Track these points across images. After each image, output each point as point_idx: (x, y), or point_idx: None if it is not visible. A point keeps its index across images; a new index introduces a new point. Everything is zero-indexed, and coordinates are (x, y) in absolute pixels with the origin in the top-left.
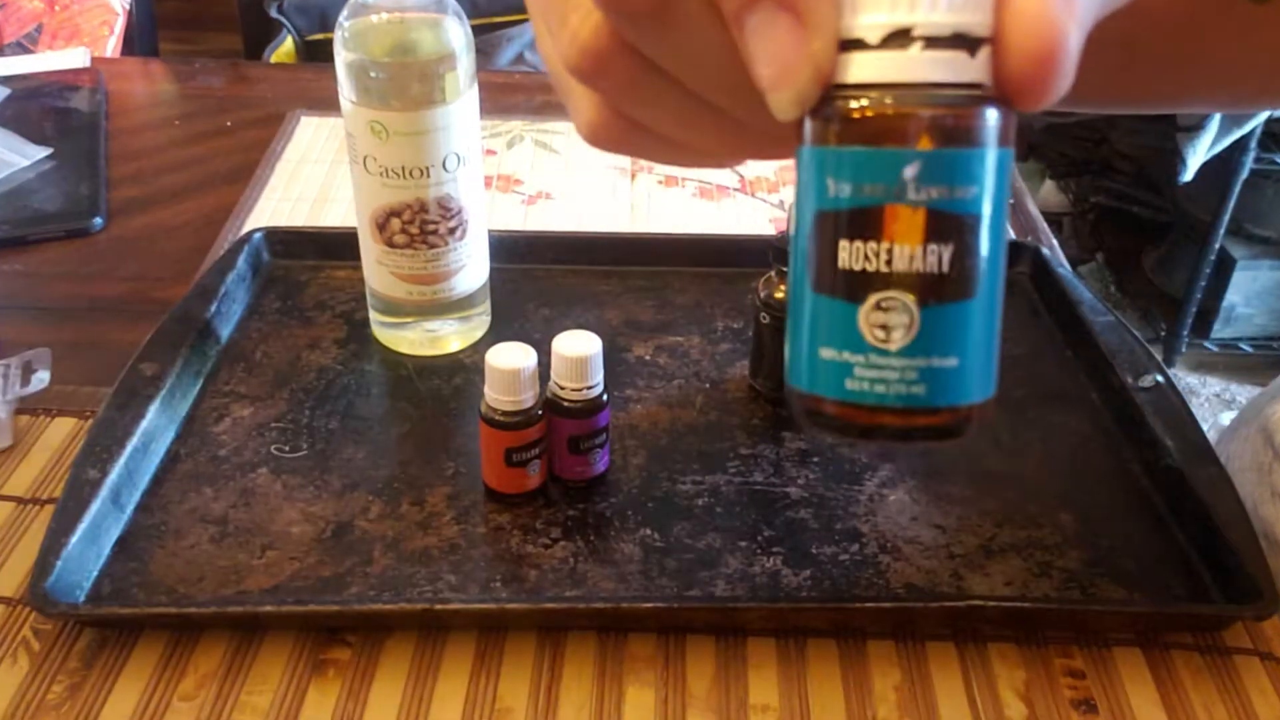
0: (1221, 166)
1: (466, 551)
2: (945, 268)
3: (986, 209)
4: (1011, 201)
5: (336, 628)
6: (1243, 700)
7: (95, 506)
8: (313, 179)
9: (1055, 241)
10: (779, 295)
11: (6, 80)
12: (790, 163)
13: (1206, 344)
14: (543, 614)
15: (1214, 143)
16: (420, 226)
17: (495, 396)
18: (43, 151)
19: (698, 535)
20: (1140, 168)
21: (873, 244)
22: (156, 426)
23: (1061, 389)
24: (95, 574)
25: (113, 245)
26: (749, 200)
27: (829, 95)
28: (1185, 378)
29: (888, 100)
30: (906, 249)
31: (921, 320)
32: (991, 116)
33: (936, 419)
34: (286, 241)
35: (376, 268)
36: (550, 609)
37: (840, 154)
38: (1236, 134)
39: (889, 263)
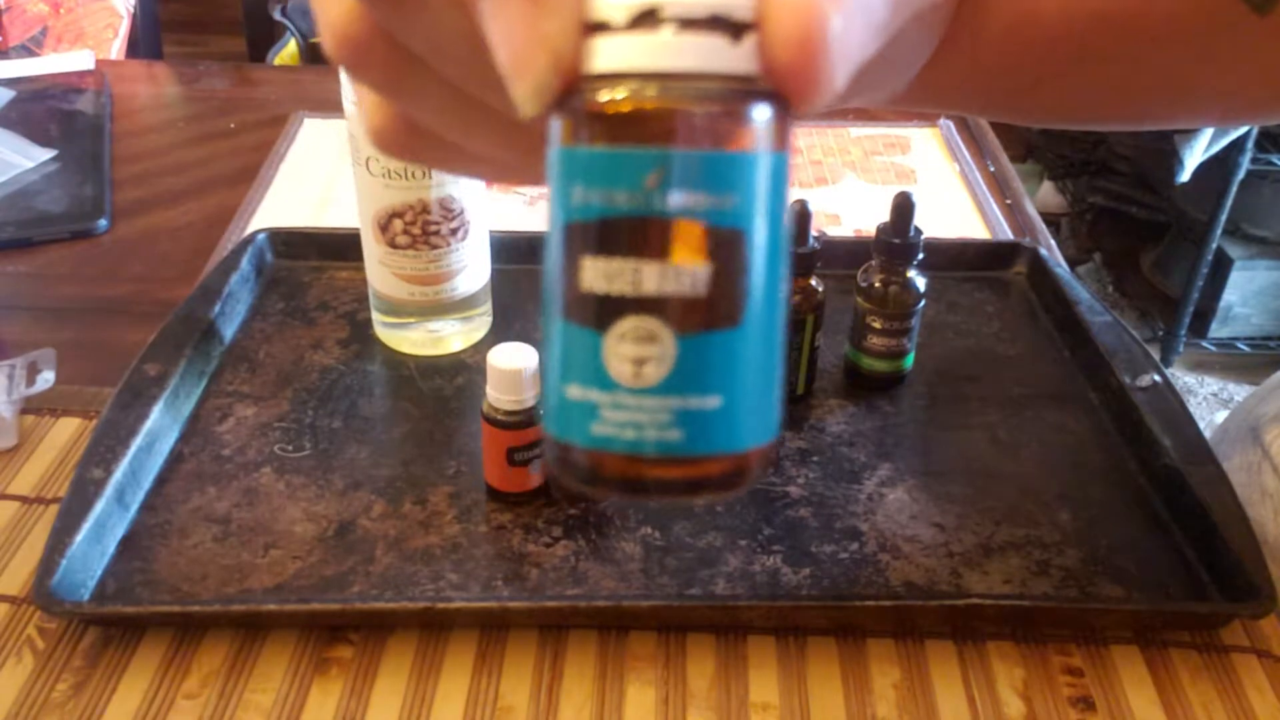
0: (1218, 167)
1: (468, 550)
2: (702, 290)
3: (755, 222)
4: (1009, 200)
5: (339, 626)
6: (1240, 698)
7: (99, 506)
8: (315, 180)
9: (1053, 242)
10: None
11: (12, 83)
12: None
13: (1204, 344)
14: (544, 612)
15: (1210, 143)
16: (422, 227)
17: (497, 396)
18: (48, 153)
19: (698, 534)
20: (1137, 168)
21: (619, 261)
22: (160, 426)
23: (1060, 389)
24: (99, 573)
25: (117, 246)
26: None
27: (575, 87)
28: (1183, 377)
29: (634, 91)
30: (656, 268)
31: (676, 352)
32: (758, 113)
33: (699, 469)
34: (290, 242)
35: (379, 268)
36: (551, 607)
37: (584, 155)
38: (1233, 134)
39: (636, 284)
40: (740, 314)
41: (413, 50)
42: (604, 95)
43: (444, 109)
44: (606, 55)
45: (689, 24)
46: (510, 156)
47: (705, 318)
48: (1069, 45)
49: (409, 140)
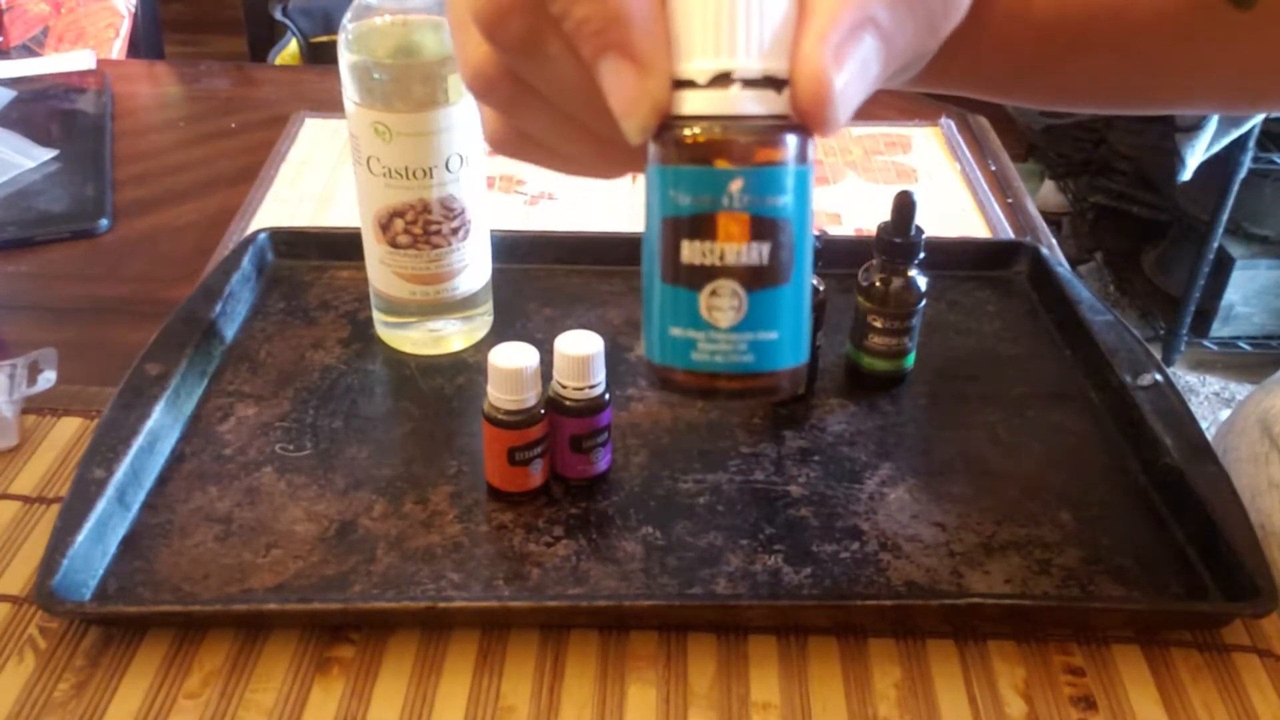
0: (1220, 166)
1: (469, 550)
2: (765, 260)
3: (794, 213)
4: (1010, 200)
5: (340, 626)
6: (1241, 698)
7: (101, 505)
8: (316, 180)
9: (1054, 241)
10: None
11: (13, 83)
12: None
13: (1205, 343)
14: (545, 612)
15: (1212, 142)
16: (423, 227)
17: (498, 395)
18: (49, 153)
19: (699, 533)
20: (1139, 167)
21: (708, 243)
22: (162, 426)
23: (1061, 388)
24: (101, 573)
25: (118, 246)
26: None
27: (668, 124)
28: (1184, 376)
29: (714, 129)
30: (734, 246)
31: (748, 303)
32: (793, 141)
33: (763, 381)
34: (290, 242)
35: (380, 268)
36: (552, 607)
37: (678, 172)
38: (1234, 133)
39: (721, 258)
40: (788, 274)
41: (534, 86)
42: (691, 130)
43: (548, 125)
44: (691, 103)
45: (749, 83)
46: (593, 158)
47: (767, 279)
48: (1063, 33)
49: (517, 145)
